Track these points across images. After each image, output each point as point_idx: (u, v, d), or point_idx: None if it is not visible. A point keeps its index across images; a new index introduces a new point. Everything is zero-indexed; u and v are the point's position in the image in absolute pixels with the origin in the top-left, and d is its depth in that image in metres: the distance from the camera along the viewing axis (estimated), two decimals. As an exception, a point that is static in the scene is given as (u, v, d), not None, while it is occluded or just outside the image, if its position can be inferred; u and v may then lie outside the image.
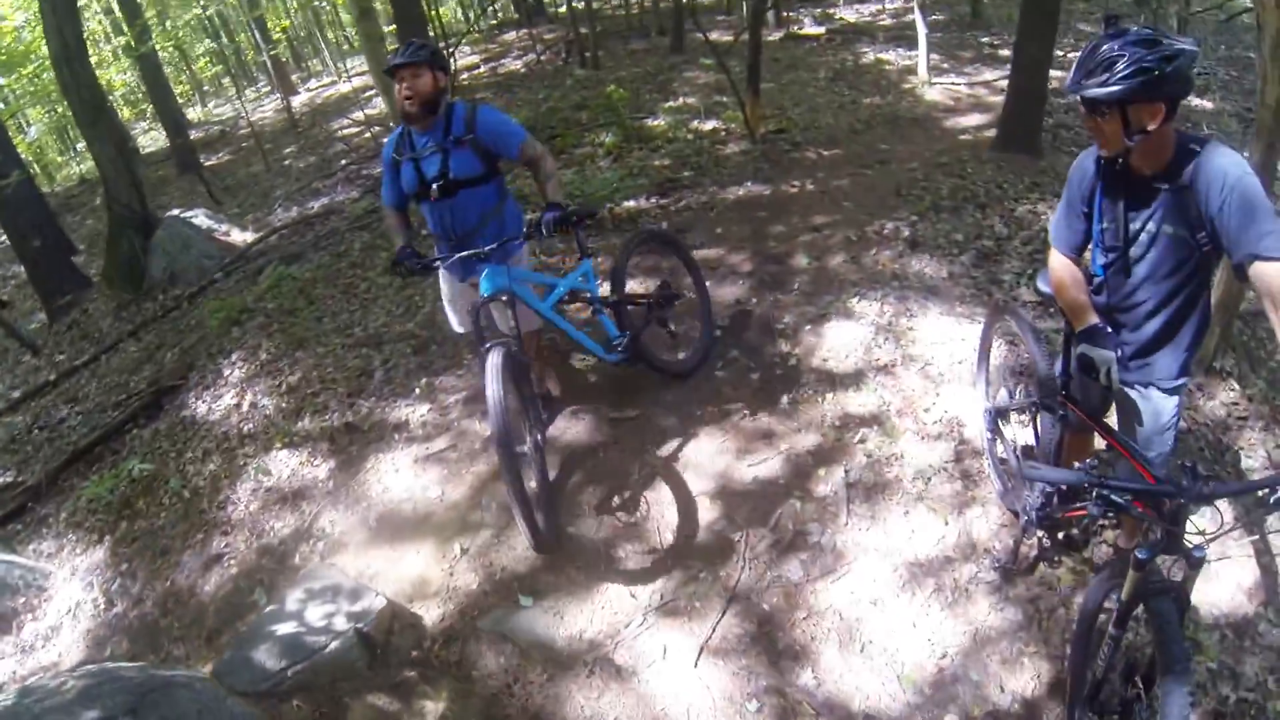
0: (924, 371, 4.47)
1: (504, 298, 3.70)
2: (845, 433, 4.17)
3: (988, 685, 3.12)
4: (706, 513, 3.89)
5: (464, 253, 3.72)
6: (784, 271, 5.59)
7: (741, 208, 6.68)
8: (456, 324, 4.36)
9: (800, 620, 3.38)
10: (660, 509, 3.95)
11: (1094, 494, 2.29)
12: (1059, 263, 2.83)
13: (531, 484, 3.65)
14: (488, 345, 3.51)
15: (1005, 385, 3.99)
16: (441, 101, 3.77)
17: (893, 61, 11.68)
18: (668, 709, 3.16)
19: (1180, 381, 2.81)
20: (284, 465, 4.85)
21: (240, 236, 9.36)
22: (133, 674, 3.10)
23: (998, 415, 3.76)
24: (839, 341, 4.76)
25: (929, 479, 3.88)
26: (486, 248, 3.71)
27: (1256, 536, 3.45)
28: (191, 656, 3.91)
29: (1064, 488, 3.02)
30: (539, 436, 3.85)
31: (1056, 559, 3.46)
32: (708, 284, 5.15)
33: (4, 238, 11.37)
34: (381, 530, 4.22)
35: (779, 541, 3.70)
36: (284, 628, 3.52)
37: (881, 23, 14.37)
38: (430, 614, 3.71)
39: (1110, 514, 2.47)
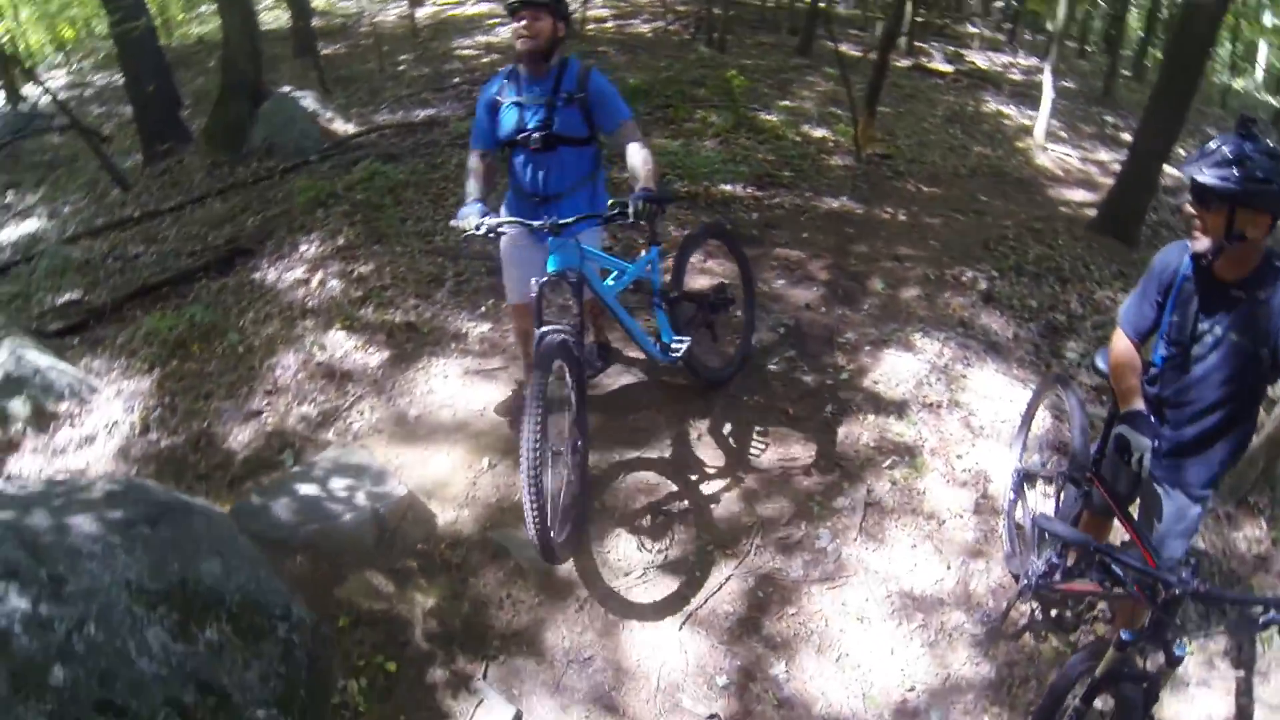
0: (966, 420, 4.51)
1: (571, 277, 3.46)
2: (877, 455, 4.24)
3: None
4: (728, 492, 3.99)
5: (542, 221, 3.46)
6: (858, 290, 5.65)
7: (832, 220, 6.72)
8: (515, 293, 4.00)
9: (788, 615, 3.48)
10: (686, 475, 4.04)
11: (1096, 560, 2.39)
12: (1121, 344, 2.87)
13: (556, 485, 3.45)
14: (544, 330, 3.32)
15: (1040, 452, 4.04)
16: (557, 51, 3.63)
17: (1012, 117, 11.58)
18: (642, 662, 3.29)
19: (1206, 492, 2.84)
20: (339, 346, 5.03)
21: (342, 127, 9.55)
22: (158, 491, 3.34)
23: (1025, 477, 3.79)
24: (893, 369, 4.81)
25: (943, 521, 3.94)
26: (567, 219, 3.47)
27: (1241, 672, 3.48)
28: (211, 495, 4.11)
29: (1068, 561, 3.07)
30: (580, 439, 3.59)
31: (1044, 634, 3.52)
32: (781, 282, 5.21)
33: (119, 78, 11.68)
34: (417, 428, 4.38)
35: (788, 538, 3.79)
36: (306, 489, 3.73)
37: (1010, 75, 14.22)
38: (444, 515, 3.86)
39: (1106, 584, 2.51)
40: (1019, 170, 9.35)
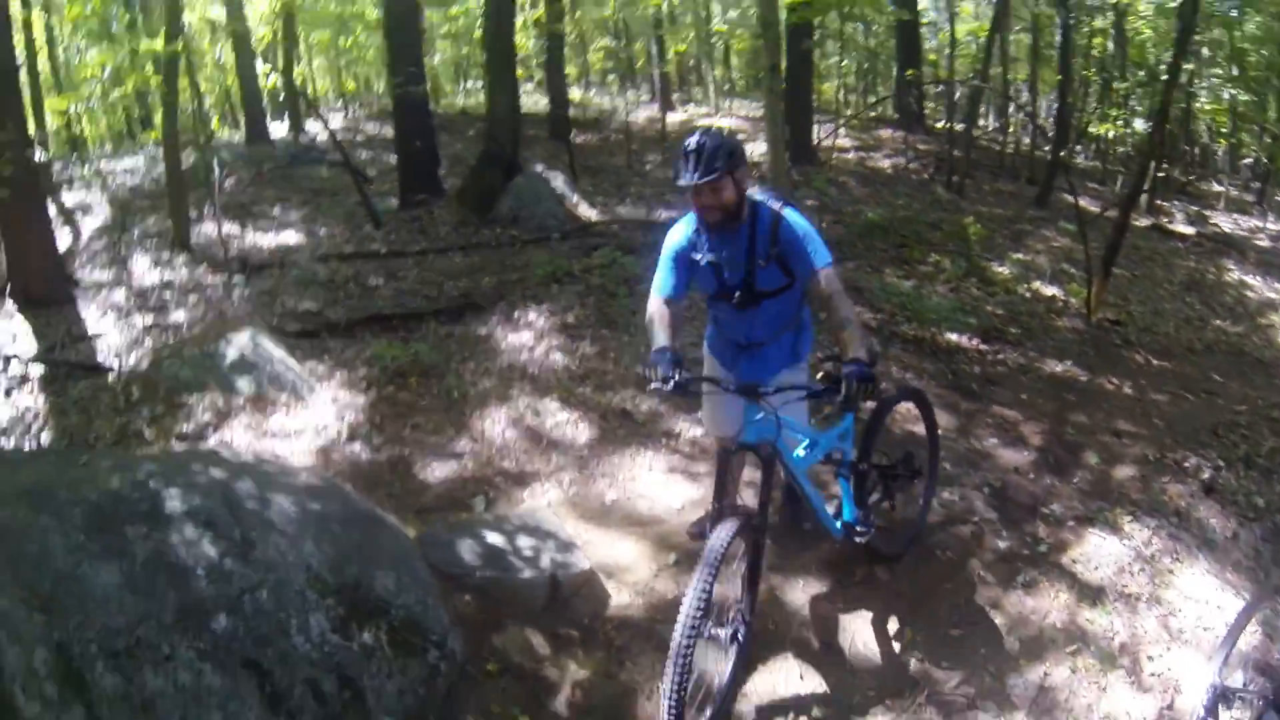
0: (1165, 620, 4.24)
1: (764, 452, 3.24)
2: (1062, 638, 4.06)
3: None
4: (899, 644, 3.94)
5: (739, 383, 3.28)
6: (1070, 461, 5.50)
7: (1054, 384, 6.61)
8: (712, 427, 3.88)
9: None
10: (859, 629, 4.00)
11: None
12: None
13: (706, 671, 3.25)
14: (725, 510, 3.16)
15: (1244, 670, 3.77)
16: (744, 205, 3.35)
17: (1256, 289, 10.91)
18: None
19: None
20: (551, 415, 5.36)
21: (586, 212, 10.22)
22: (355, 498, 3.72)
23: (1223, 696, 3.55)
24: (1095, 551, 4.61)
25: (1121, 726, 3.73)
26: (768, 382, 3.25)
27: None
28: (398, 517, 4.30)
29: None
30: (742, 628, 3.35)
31: None
32: (994, 441, 5.14)
33: (387, 130, 12.94)
34: (612, 511, 4.59)
35: (953, 704, 3.68)
36: (493, 538, 3.96)
37: (1257, 241, 13.38)
38: (618, 598, 3.97)
39: None
40: (1261, 350, 8.78)
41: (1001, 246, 10.20)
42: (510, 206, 9.85)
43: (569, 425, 5.26)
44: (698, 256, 3.44)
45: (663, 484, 4.77)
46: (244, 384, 5.50)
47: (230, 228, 9.54)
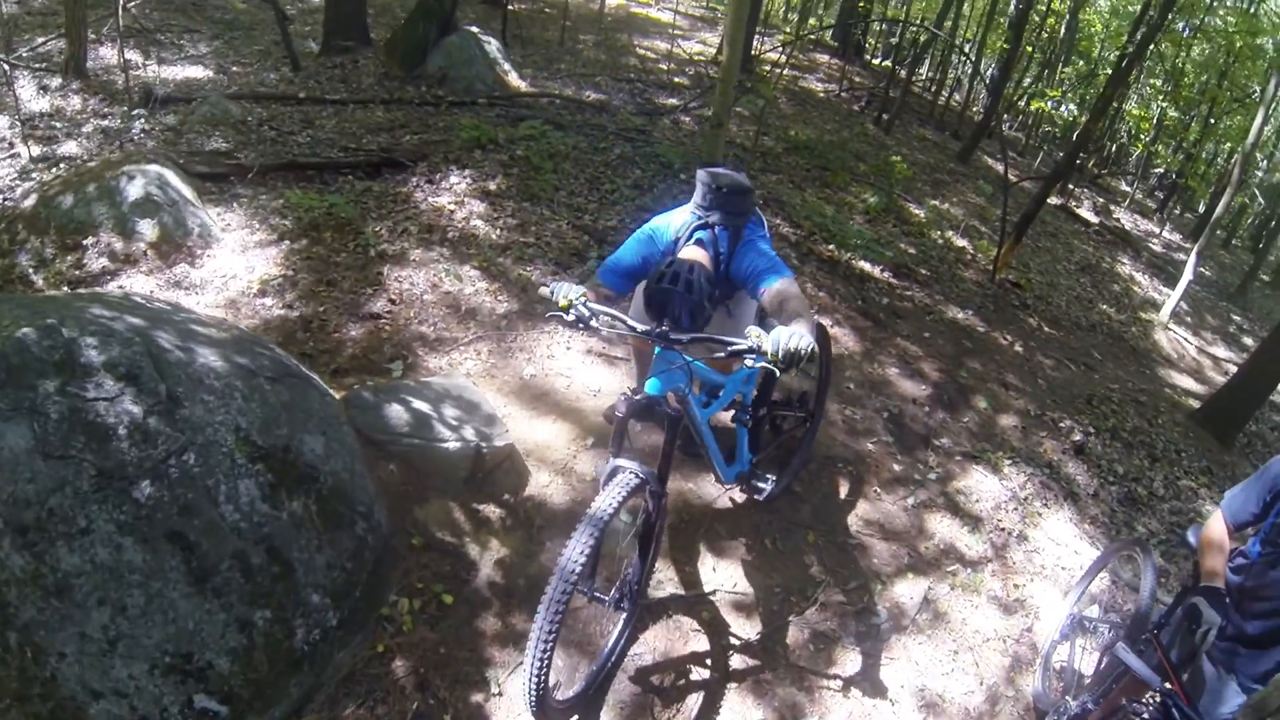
0: (1030, 555, 4.57)
1: (670, 407, 2.96)
2: (944, 557, 4.31)
3: None
4: (804, 547, 4.06)
5: (655, 327, 2.86)
6: (962, 403, 5.74)
7: (955, 329, 6.83)
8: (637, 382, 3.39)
9: (832, 675, 3.54)
10: (766, 521, 4.10)
11: (1160, 704, 2.56)
12: (1217, 526, 2.98)
13: (587, 637, 3.19)
14: (620, 465, 2.83)
15: (1098, 607, 4.07)
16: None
17: (1142, 286, 11.53)
18: (691, 676, 3.35)
19: (1255, 686, 2.87)
20: (471, 283, 5.17)
21: (516, 82, 9.79)
22: (282, 355, 3.35)
23: (1079, 624, 3.85)
24: (977, 485, 4.90)
25: (987, 639, 3.99)
26: (685, 336, 2.83)
27: None
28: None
29: (1101, 711, 3.18)
30: (631, 597, 3.13)
31: None
32: (895, 371, 5.28)
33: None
34: (529, 388, 4.49)
35: (848, 603, 3.87)
36: (419, 405, 3.74)
37: (1152, 244, 14.14)
38: (539, 476, 3.93)
39: None
40: (1136, 340, 9.32)
41: (921, 192, 10.43)
42: (440, 65, 9.36)
43: (488, 295, 5.09)
44: (657, 252, 3.26)
45: (580, 364, 4.71)
46: (146, 227, 4.96)
47: (133, 55, 8.74)
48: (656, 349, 2.92)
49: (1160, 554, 5.04)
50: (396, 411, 3.68)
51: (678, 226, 3.27)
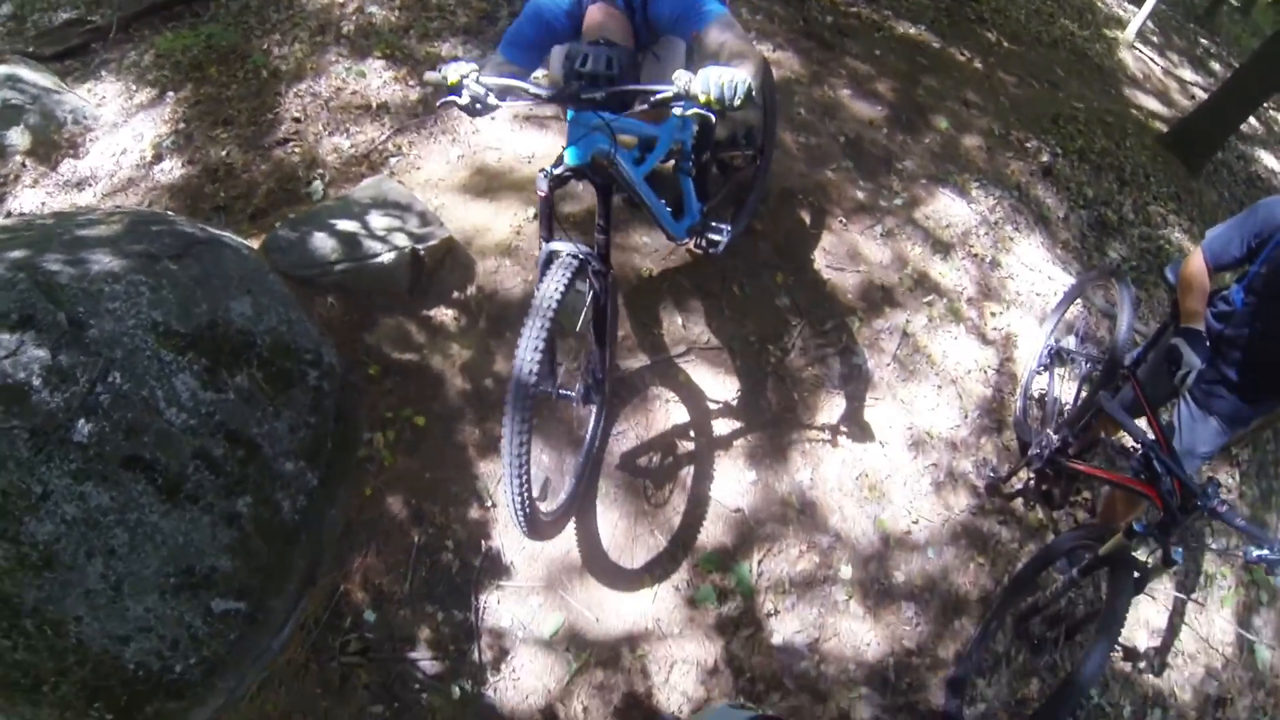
0: (1003, 282, 4.44)
1: (596, 174, 2.59)
2: (918, 288, 4.15)
3: (934, 566, 3.30)
4: (773, 288, 3.86)
5: (562, 88, 2.50)
6: (921, 124, 5.37)
7: (906, 46, 6.34)
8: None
9: (817, 423, 3.45)
10: (730, 266, 3.84)
11: (1141, 454, 2.59)
12: (1197, 265, 2.89)
13: (558, 439, 3.04)
14: (555, 248, 2.56)
15: (1074, 336, 4.04)
16: None
17: (1107, 2, 10.95)
18: (676, 446, 3.27)
19: (1237, 430, 2.97)
20: (378, 75, 4.64)
21: None
22: (182, 223, 3.04)
23: (1056, 354, 3.85)
24: (945, 210, 4.65)
25: (968, 371, 3.94)
26: (600, 93, 2.43)
27: (1182, 595, 3.70)
28: (232, 229, 3.80)
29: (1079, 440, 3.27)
30: (598, 385, 2.96)
31: (1032, 504, 3.61)
32: (847, 93, 4.87)
33: None
34: (459, 169, 4.10)
35: (827, 345, 3.72)
36: (343, 224, 3.42)
37: (1116, -44, 13.38)
38: (485, 264, 3.62)
39: (1137, 475, 2.67)
40: (1101, 58, 8.89)
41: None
42: None
43: (398, 84, 4.57)
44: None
45: (509, 133, 4.27)
46: (15, 136, 4.41)
47: None
48: (569, 112, 2.50)
49: (1133, 279, 4.93)
50: (321, 240, 3.36)
51: None
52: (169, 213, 3.44)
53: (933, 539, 3.32)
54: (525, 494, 2.42)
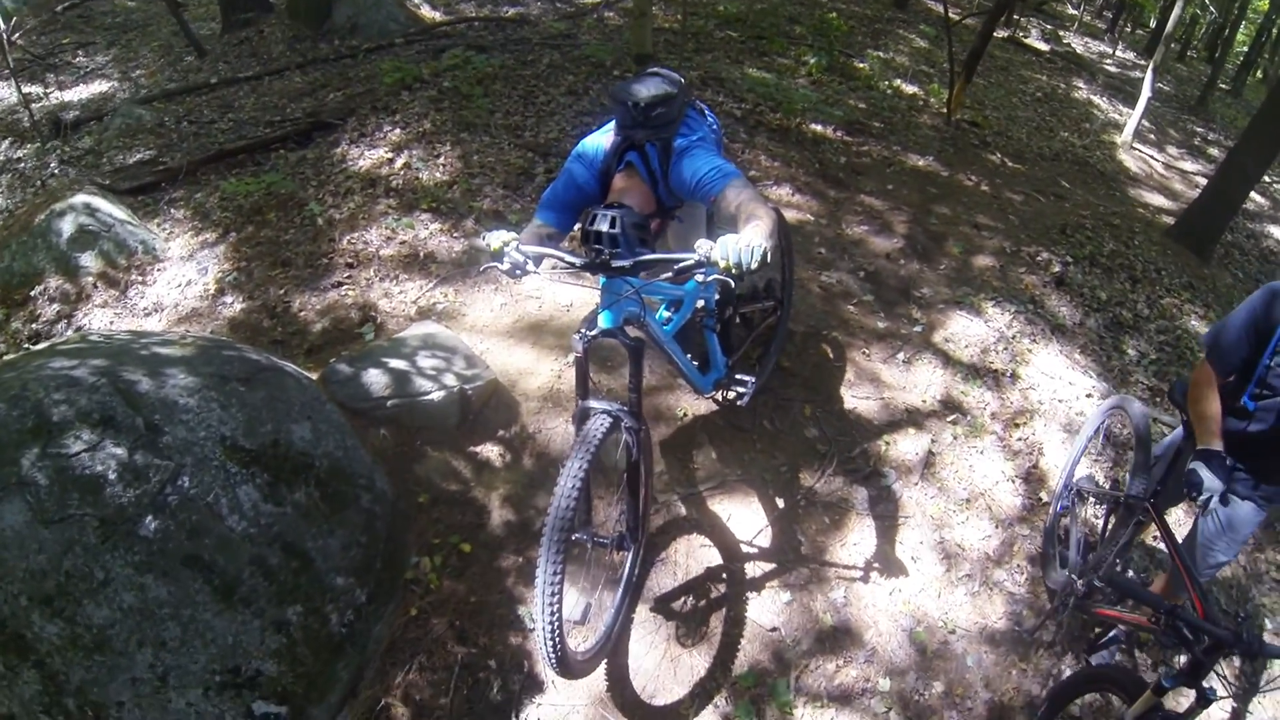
0: (1025, 394, 4.56)
1: (628, 338, 2.75)
2: (942, 409, 4.30)
3: (974, 675, 3.31)
4: (802, 421, 4.04)
5: (594, 257, 2.63)
6: (935, 250, 5.65)
7: (917, 177, 6.70)
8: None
9: (850, 544, 3.57)
10: (760, 402, 4.04)
11: (1162, 620, 2.43)
12: (1204, 377, 2.77)
13: (592, 583, 3.09)
14: (590, 406, 2.71)
15: (1096, 469, 4.06)
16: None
17: (1102, 110, 11.37)
18: (710, 571, 3.37)
19: (1274, 503, 2.84)
20: (424, 227, 5.03)
21: (430, 13, 9.46)
22: (250, 352, 3.29)
23: (1078, 494, 3.70)
24: (963, 331, 4.85)
25: (996, 483, 4.02)
26: (628, 262, 2.60)
27: (1236, 705, 3.48)
28: (288, 362, 4.15)
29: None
30: (633, 533, 3.03)
31: (1065, 650, 3.52)
32: (864, 229, 5.16)
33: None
34: (502, 316, 4.41)
35: (857, 470, 3.87)
36: (395, 363, 3.69)
37: (1106, 65, 13.91)
38: (528, 405, 3.87)
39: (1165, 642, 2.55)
40: (1102, 164, 9.21)
41: (861, 44, 10.18)
42: (347, 14, 9.00)
43: (444, 235, 4.95)
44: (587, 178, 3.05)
45: (548, 282, 4.58)
46: (89, 260, 4.79)
47: (31, 88, 8.33)
48: (601, 280, 2.71)
49: (1154, 373, 5.07)
50: (375, 376, 3.64)
51: (607, 149, 3.05)
52: (236, 343, 3.66)
53: (971, 648, 3.36)
54: (557, 633, 2.47)
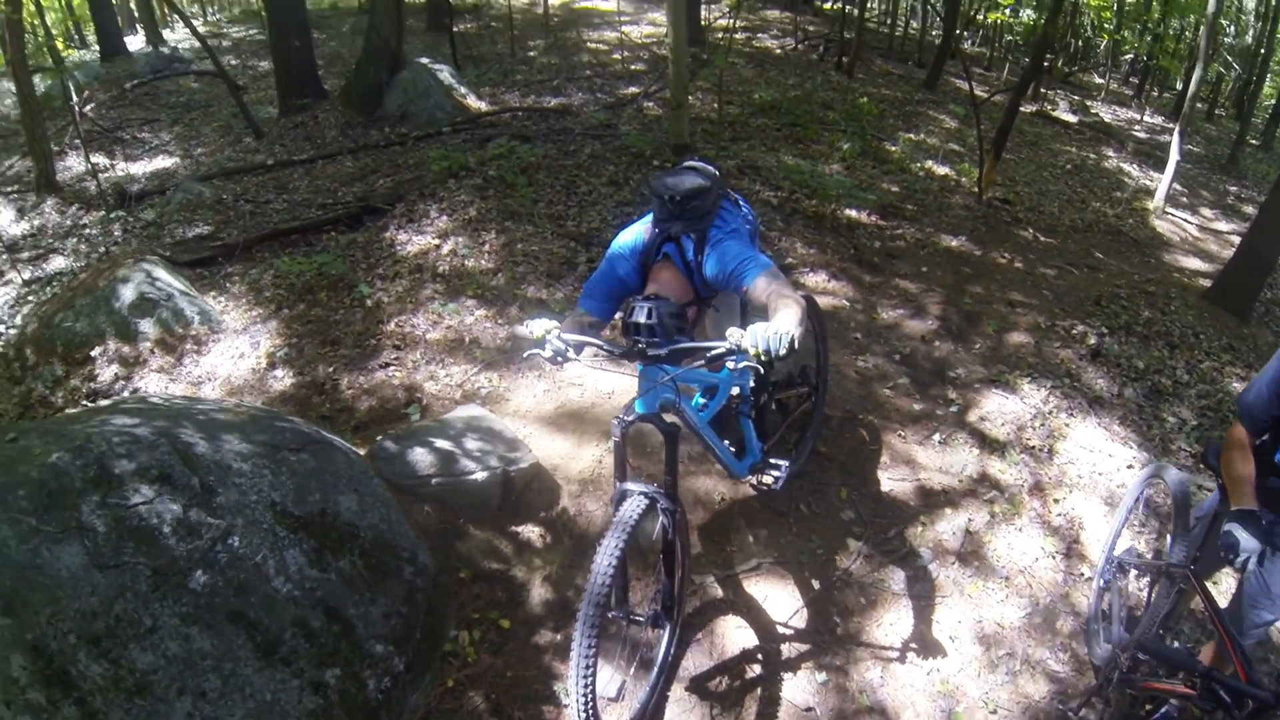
0: (1063, 469, 4.59)
1: (664, 423, 2.89)
2: (978, 488, 4.35)
3: None
4: (837, 504, 4.12)
5: (631, 345, 2.81)
6: (969, 329, 5.75)
7: (950, 258, 6.83)
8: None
9: (886, 625, 3.60)
10: (797, 485, 4.13)
11: (1198, 684, 2.45)
12: (1237, 438, 2.80)
13: (627, 658, 3.16)
14: (629, 490, 2.84)
15: (1143, 540, 4.07)
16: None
17: (1133, 176, 11.44)
18: (747, 650, 3.41)
19: None
20: (470, 312, 5.25)
21: (475, 103, 9.86)
22: (301, 424, 3.45)
23: (1120, 567, 3.72)
24: (998, 409, 4.91)
25: (1035, 559, 4.03)
26: (664, 350, 2.76)
27: None
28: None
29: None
30: (669, 612, 3.12)
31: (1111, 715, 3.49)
32: (900, 312, 5.28)
33: (253, 33, 12.09)
34: (544, 401, 4.57)
35: (892, 551, 3.93)
36: (440, 443, 3.85)
37: (1134, 132, 14.01)
38: (569, 489, 4.00)
39: (1204, 707, 2.53)
40: (1135, 231, 9.26)
41: (893, 127, 10.41)
42: (397, 103, 9.47)
43: (488, 321, 5.16)
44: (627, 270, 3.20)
45: (590, 370, 4.72)
46: (147, 326, 5.07)
47: (98, 159, 8.85)
48: (639, 367, 2.87)
49: (1196, 440, 5.05)
50: (420, 454, 3.78)
51: (646, 240, 3.21)
52: (288, 414, 3.86)
53: (1016, 729, 3.36)
54: (590, 707, 2.57)
